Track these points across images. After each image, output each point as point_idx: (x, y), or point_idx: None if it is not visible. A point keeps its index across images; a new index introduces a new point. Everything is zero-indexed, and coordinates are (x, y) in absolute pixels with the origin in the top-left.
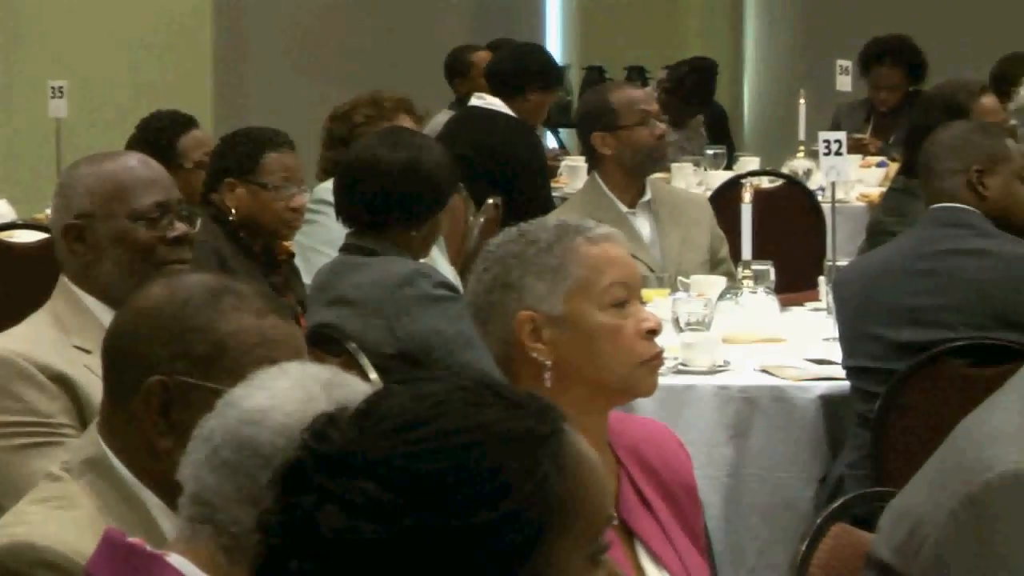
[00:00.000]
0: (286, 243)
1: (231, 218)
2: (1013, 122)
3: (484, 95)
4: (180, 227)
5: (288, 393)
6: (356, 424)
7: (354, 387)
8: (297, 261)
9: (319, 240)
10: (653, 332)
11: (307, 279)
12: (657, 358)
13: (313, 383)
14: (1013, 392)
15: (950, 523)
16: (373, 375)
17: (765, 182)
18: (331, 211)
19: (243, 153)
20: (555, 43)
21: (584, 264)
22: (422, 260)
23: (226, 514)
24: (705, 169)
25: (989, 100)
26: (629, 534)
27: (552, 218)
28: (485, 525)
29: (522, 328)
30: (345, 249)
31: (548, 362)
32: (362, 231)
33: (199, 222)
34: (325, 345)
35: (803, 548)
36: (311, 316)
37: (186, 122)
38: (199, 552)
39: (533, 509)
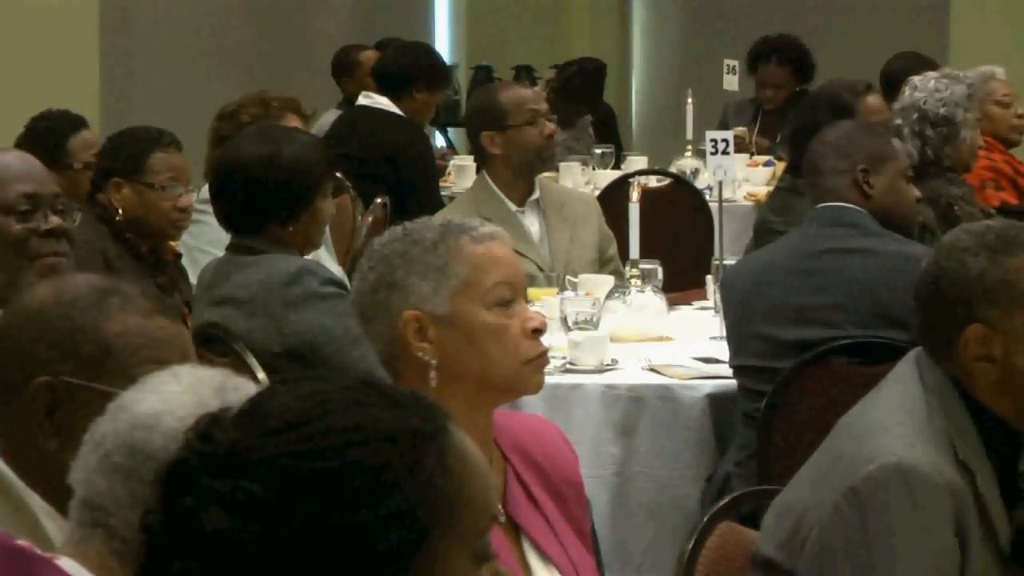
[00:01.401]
0: (173, 243)
1: (118, 218)
2: (898, 121)
3: (372, 94)
4: (54, 220)
5: (180, 397)
6: (240, 424)
7: (246, 390)
8: (184, 261)
9: (205, 240)
10: (538, 331)
11: (194, 279)
12: (542, 357)
13: (205, 387)
14: (890, 387)
15: (834, 516)
16: (261, 374)
17: (653, 181)
18: None
19: (129, 153)
20: (443, 42)
21: (469, 263)
22: (309, 258)
23: (118, 518)
24: (593, 168)
25: (874, 99)
26: (516, 531)
27: (438, 217)
28: (370, 524)
29: (407, 327)
30: (230, 248)
31: (433, 361)
32: (241, 231)
33: (78, 217)
34: (212, 344)
35: (689, 546)
36: (197, 316)
37: (75, 122)
38: (90, 556)
39: (418, 508)
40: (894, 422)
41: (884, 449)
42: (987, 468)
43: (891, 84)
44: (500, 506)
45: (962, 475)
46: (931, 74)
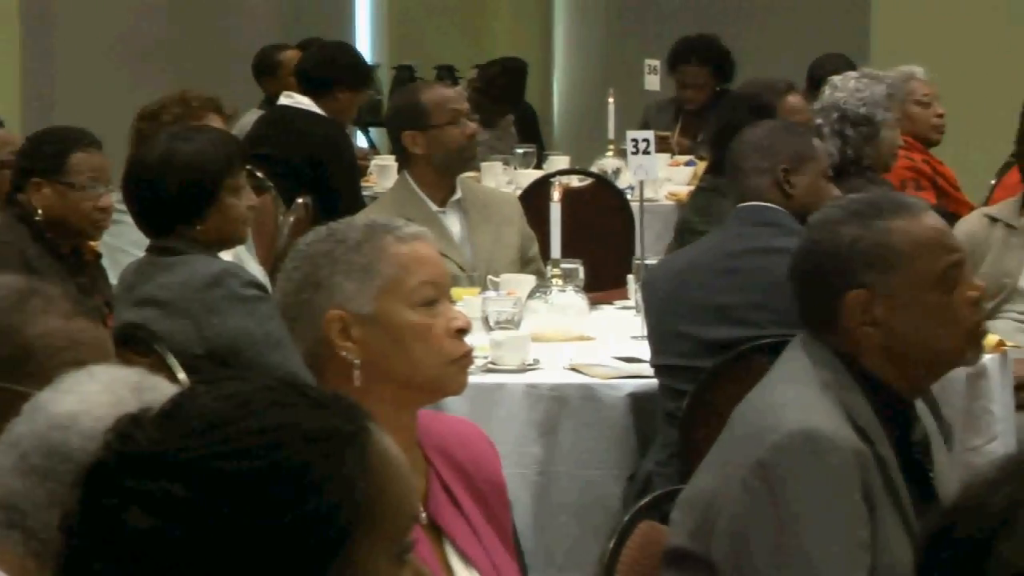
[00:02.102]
0: (93, 243)
1: (37, 218)
2: (819, 121)
3: (293, 94)
4: None
5: (97, 397)
6: (160, 425)
7: (163, 390)
8: (104, 262)
9: (126, 240)
10: (462, 331)
11: (114, 280)
12: (466, 357)
13: (122, 386)
14: (779, 369)
15: (743, 492)
16: (182, 375)
17: (575, 181)
18: None
19: (50, 153)
20: (365, 42)
21: (393, 263)
22: (230, 259)
23: (36, 520)
24: (515, 168)
25: (795, 99)
26: (438, 532)
27: (361, 217)
28: (291, 525)
29: (331, 327)
30: (150, 250)
31: (357, 361)
32: (155, 233)
33: None
34: (133, 345)
35: (611, 546)
36: (118, 316)
37: None
38: (7, 558)
39: (339, 508)
40: (789, 397)
41: (786, 419)
42: (884, 437)
43: (815, 84)
44: (422, 508)
45: (863, 441)
46: (851, 74)
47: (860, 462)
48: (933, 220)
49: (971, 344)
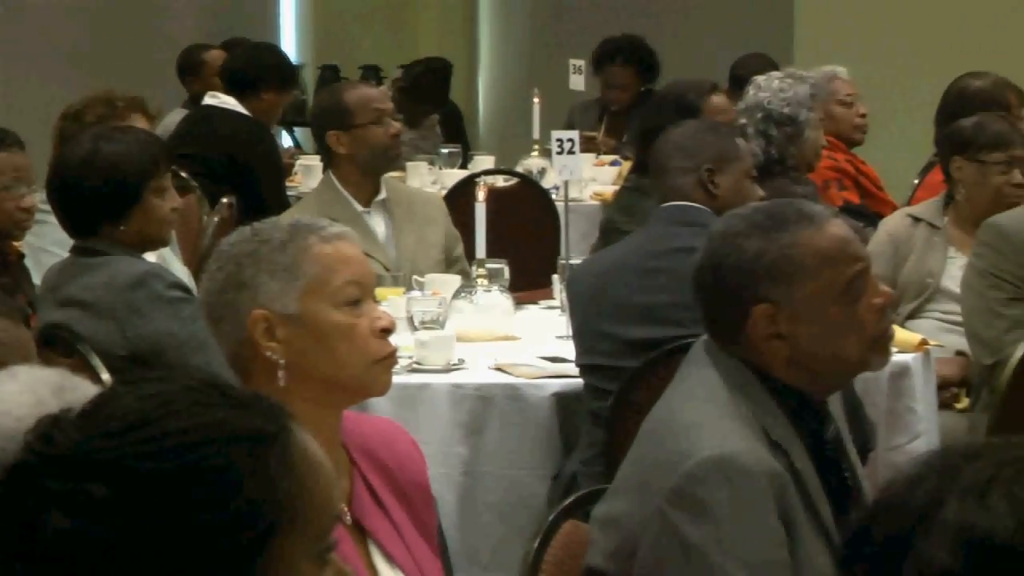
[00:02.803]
0: (16, 243)
1: None
2: (743, 121)
3: (218, 94)
4: None
5: (17, 398)
6: (81, 425)
7: (85, 390)
8: (28, 262)
9: (50, 241)
10: (387, 331)
11: (38, 280)
12: (391, 357)
13: (43, 387)
14: (688, 383)
15: (660, 520)
16: (105, 376)
17: (500, 181)
18: None
19: None
20: (290, 42)
21: (318, 263)
22: (154, 260)
23: None
24: (440, 168)
25: (719, 99)
26: (362, 533)
27: (286, 217)
28: (213, 525)
29: (255, 327)
30: (74, 250)
31: (282, 361)
32: (78, 234)
33: None
34: (56, 346)
35: (535, 545)
36: (42, 317)
37: None
38: None
39: (261, 508)
40: (702, 417)
41: (699, 445)
42: (798, 444)
43: (738, 84)
44: (346, 508)
45: (777, 456)
46: (775, 74)
47: (775, 483)
48: (837, 229)
49: (877, 351)
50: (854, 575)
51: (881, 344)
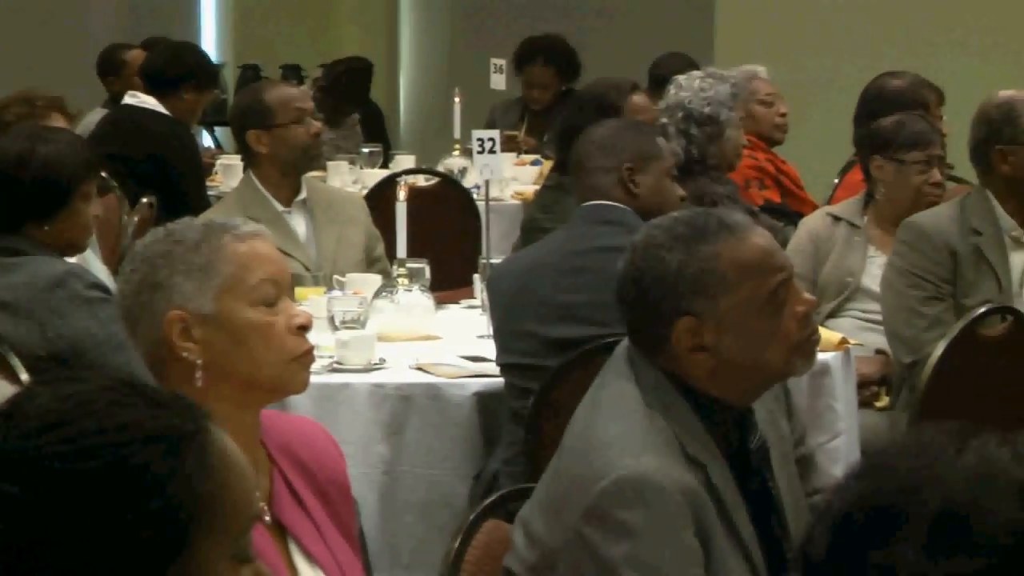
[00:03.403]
0: None
1: None
2: (664, 120)
3: (138, 94)
4: None
5: None
6: None
7: (3, 391)
8: None
9: None
10: (304, 328)
11: None
12: (308, 354)
13: None
14: (607, 394)
15: (576, 539)
16: (24, 376)
17: (421, 180)
18: None
19: None
20: (210, 42)
21: (232, 262)
22: (74, 260)
23: None
24: (361, 167)
25: (639, 98)
26: (282, 531)
27: (201, 217)
28: (130, 524)
29: (172, 328)
30: None
31: (199, 361)
32: (3, 230)
33: None
34: None
35: (456, 544)
36: None
37: None
38: None
39: (179, 508)
40: (618, 434)
41: (613, 464)
42: (718, 458)
43: (659, 83)
44: (266, 507)
45: (694, 472)
46: (696, 73)
47: (691, 500)
48: (759, 239)
49: (801, 357)
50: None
51: (805, 351)
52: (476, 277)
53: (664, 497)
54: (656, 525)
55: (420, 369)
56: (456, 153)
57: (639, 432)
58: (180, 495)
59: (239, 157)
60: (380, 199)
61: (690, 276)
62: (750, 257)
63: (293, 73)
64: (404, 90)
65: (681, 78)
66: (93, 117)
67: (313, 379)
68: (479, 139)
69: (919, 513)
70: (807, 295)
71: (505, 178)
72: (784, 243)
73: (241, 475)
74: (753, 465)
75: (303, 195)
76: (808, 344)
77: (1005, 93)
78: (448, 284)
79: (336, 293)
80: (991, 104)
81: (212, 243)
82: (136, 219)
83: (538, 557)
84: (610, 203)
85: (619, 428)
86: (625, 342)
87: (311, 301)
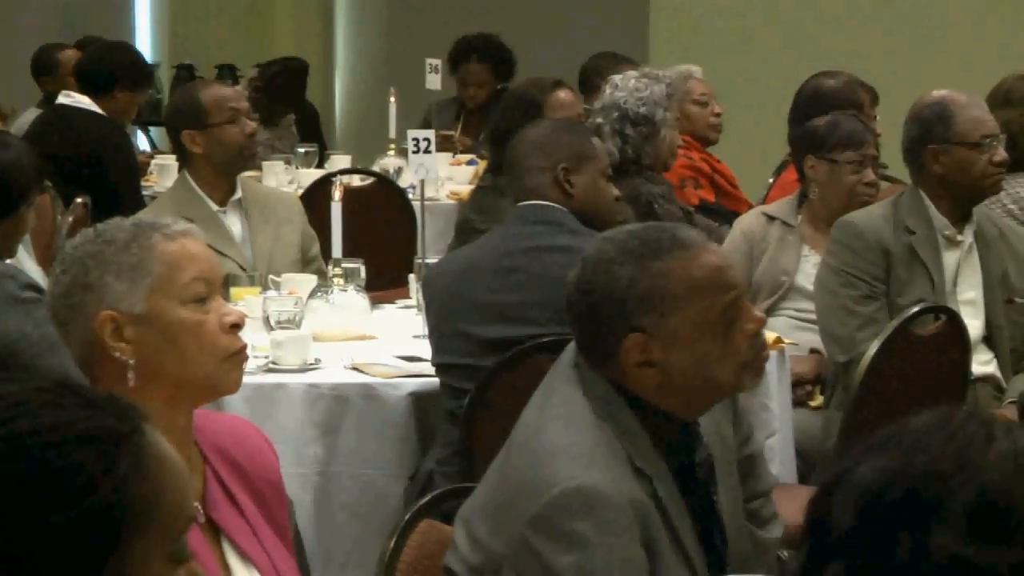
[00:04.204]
0: None
1: None
2: (599, 120)
3: (72, 93)
4: None
5: None
6: None
7: None
8: None
9: None
10: (236, 326)
11: None
12: (241, 353)
13: None
14: (554, 401)
15: (522, 547)
16: None
17: (356, 180)
18: None
19: None
20: (145, 41)
21: (163, 261)
22: (8, 261)
23: None
24: (296, 167)
25: (564, 94)
26: (216, 531)
27: (131, 217)
28: (65, 525)
29: (103, 328)
30: None
31: (131, 361)
32: None
33: None
34: None
35: (391, 544)
36: None
37: None
38: None
39: (113, 509)
40: (566, 443)
41: (561, 474)
42: (664, 470)
43: (586, 83)
44: (199, 507)
45: (640, 483)
46: (631, 73)
47: (637, 511)
48: (711, 257)
49: (750, 374)
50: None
51: (754, 368)
52: (411, 277)
53: (611, 508)
54: (603, 536)
55: (355, 369)
56: (391, 153)
57: (587, 443)
58: (115, 496)
59: (174, 157)
60: (315, 199)
61: (640, 292)
62: (701, 275)
63: (228, 73)
64: (339, 90)
65: (616, 78)
66: (27, 117)
67: (248, 379)
68: (414, 139)
69: (955, 499)
70: (758, 313)
71: (440, 178)
72: (719, 243)
73: (176, 476)
74: (699, 478)
75: (238, 195)
76: (758, 361)
77: (938, 93)
78: (383, 284)
79: (271, 293)
80: (924, 104)
81: (142, 243)
82: (70, 219)
83: (482, 560)
84: (546, 203)
85: (568, 438)
86: (572, 346)
87: (246, 301)
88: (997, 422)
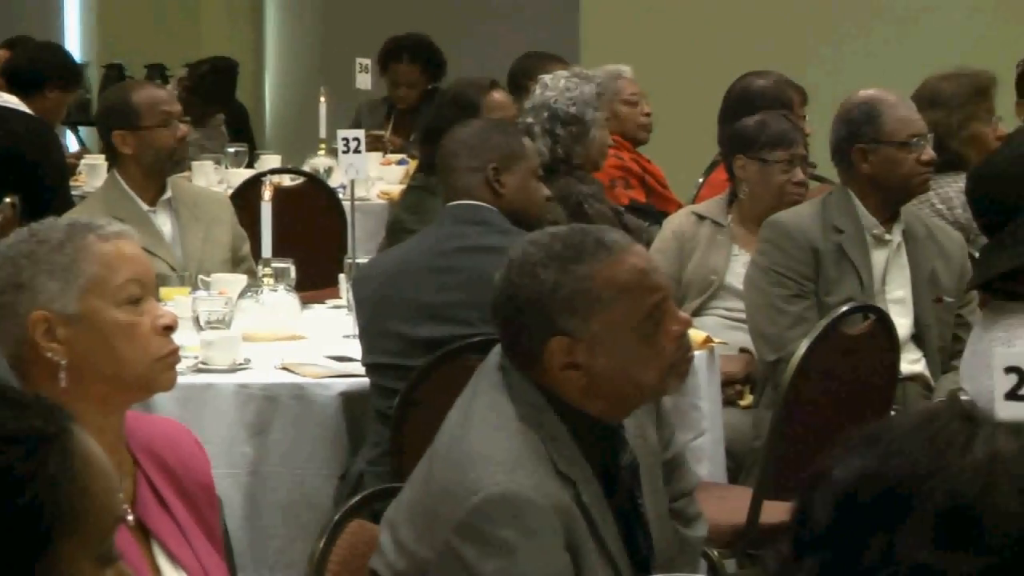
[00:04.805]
0: None
1: None
2: (529, 120)
3: (1, 93)
4: None
5: None
6: None
7: None
8: None
9: None
10: (169, 328)
11: None
12: (173, 354)
13: None
14: (479, 405)
15: (448, 554)
16: None
17: (286, 180)
18: None
19: None
20: (74, 41)
21: (97, 261)
22: None
23: None
24: (226, 167)
25: (499, 95)
26: (146, 533)
27: (65, 217)
28: None
29: (35, 328)
30: None
31: (63, 361)
32: None
33: None
34: None
35: (321, 545)
36: None
37: None
38: None
39: (41, 509)
40: (491, 448)
41: (486, 479)
42: (588, 473)
43: (516, 83)
44: (129, 509)
45: (565, 487)
46: (561, 73)
47: (563, 517)
48: (636, 260)
49: (675, 377)
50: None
51: (680, 370)
52: (342, 277)
53: (537, 514)
54: (529, 541)
55: (285, 369)
56: (322, 153)
57: (512, 447)
58: (42, 496)
59: (103, 157)
60: (246, 199)
61: (564, 295)
62: (626, 278)
63: (157, 73)
64: (270, 90)
65: (547, 78)
66: None
67: (178, 379)
68: (344, 139)
69: (926, 503)
70: (683, 315)
71: (371, 178)
72: (649, 242)
73: (104, 477)
74: (623, 482)
75: (168, 195)
76: (683, 364)
77: (866, 92)
78: (314, 284)
79: (201, 293)
80: (852, 103)
81: (76, 243)
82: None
83: (407, 565)
84: (476, 203)
85: (493, 442)
86: (498, 349)
87: (176, 301)
88: (986, 423)
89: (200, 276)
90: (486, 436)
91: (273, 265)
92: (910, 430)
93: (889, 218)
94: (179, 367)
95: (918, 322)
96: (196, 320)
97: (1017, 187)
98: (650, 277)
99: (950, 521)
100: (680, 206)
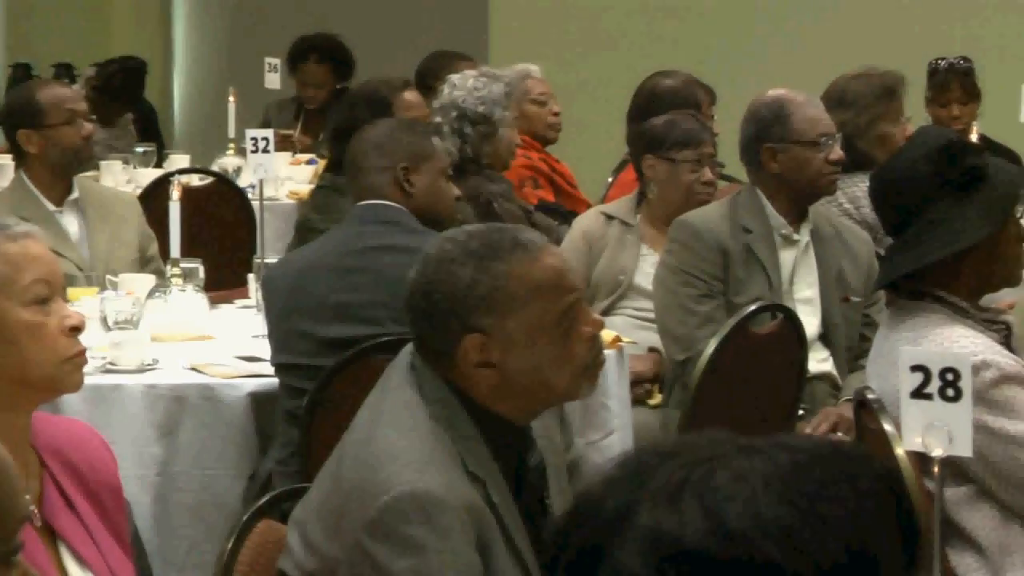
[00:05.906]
0: None
1: None
2: (438, 119)
3: None
4: None
5: None
6: None
7: None
8: None
9: None
10: (76, 329)
11: None
12: (81, 355)
13: None
14: (390, 404)
15: (358, 553)
16: None
17: (195, 180)
18: None
19: None
20: None
21: (4, 262)
22: None
23: None
24: (134, 167)
25: (411, 95)
26: (52, 535)
27: None
28: None
29: None
30: None
31: None
32: None
33: None
34: None
35: (229, 545)
36: None
37: None
38: None
39: None
40: (401, 447)
41: (396, 478)
42: (497, 473)
43: (424, 83)
44: (36, 510)
45: (475, 486)
46: (470, 72)
47: (473, 516)
48: (552, 260)
49: (587, 379)
50: None
51: (592, 372)
52: (251, 277)
53: (447, 512)
54: (439, 540)
55: (194, 369)
56: (230, 152)
57: (423, 446)
58: None
59: (9, 156)
60: (154, 199)
61: (480, 293)
62: (542, 277)
63: (65, 72)
64: (178, 89)
65: (455, 77)
66: None
67: (86, 380)
68: (253, 138)
69: (639, 520)
70: (596, 316)
71: (280, 177)
72: (558, 242)
73: (8, 478)
74: (531, 482)
75: (75, 195)
76: (595, 366)
77: (774, 92)
78: (223, 284)
79: (109, 293)
80: (761, 103)
81: None
82: None
83: (316, 564)
84: (385, 203)
85: (403, 441)
86: (409, 348)
87: (84, 301)
88: (746, 448)
89: (108, 276)
90: (396, 435)
91: (182, 265)
92: (669, 450)
93: (797, 218)
94: (87, 368)
95: (826, 321)
96: (104, 320)
97: (920, 188)
98: (566, 277)
99: (654, 542)
100: (589, 206)
